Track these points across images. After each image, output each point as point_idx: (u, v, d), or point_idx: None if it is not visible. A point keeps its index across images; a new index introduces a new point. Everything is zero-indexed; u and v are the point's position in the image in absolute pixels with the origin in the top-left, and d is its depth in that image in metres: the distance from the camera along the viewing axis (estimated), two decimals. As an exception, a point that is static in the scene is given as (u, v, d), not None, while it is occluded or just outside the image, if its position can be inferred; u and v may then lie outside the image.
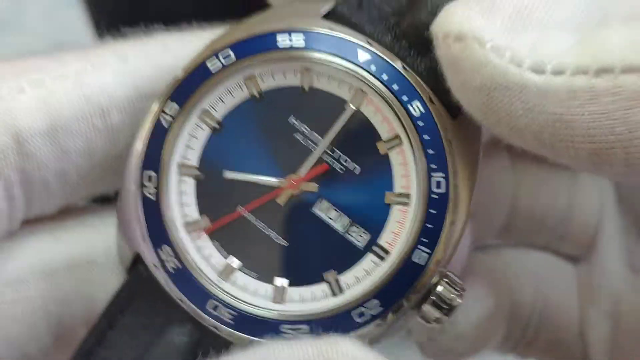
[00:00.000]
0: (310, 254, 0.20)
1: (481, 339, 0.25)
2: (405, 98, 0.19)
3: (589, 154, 0.17)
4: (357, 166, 0.19)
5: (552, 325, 0.26)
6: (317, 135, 0.19)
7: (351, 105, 0.19)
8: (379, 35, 0.20)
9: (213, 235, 0.21)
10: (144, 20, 0.74)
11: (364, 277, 0.21)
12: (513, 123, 0.17)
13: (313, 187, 0.20)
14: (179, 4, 0.73)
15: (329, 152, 0.19)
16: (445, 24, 0.17)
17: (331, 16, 0.20)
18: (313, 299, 0.21)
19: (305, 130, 0.20)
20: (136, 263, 0.21)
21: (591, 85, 0.16)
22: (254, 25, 0.21)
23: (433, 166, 0.18)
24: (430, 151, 0.18)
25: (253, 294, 0.21)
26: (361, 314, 0.21)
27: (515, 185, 0.26)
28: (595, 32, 0.16)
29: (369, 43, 0.19)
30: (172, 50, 0.20)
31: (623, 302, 0.24)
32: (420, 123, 0.19)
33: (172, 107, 0.20)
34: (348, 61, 0.19)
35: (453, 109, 0.19)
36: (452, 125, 0.19)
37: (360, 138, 0.19)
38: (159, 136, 0.19)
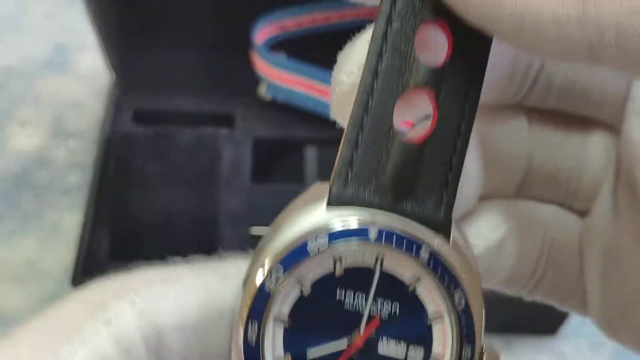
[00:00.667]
0: None
1: (492, 268, 0.28)
2: (414, 247, 0.23)
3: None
4: (397, 305, 0.24)
5: (556, 266, 0.29)
6: (362, 297, 0.24)
7: (377, 269, 0.23)
8: (369, 199, 0.23)
9: None
10: (144, 21, 0.75)
11: None
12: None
13: (372, 336, 0.24)
14: (179, 3, 0.73)
15: (373, 305, 0.24)
16: None
17: (332, 202, 0.24)
18: None
19: (351, 297, 0.24)
20: None
21: None
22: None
23: (452, 287, 0.23)
24: (446, 278, 0.23)
25: None
26: None
27: (531, 146, 0.29)
28: None
29: (372, 218, 0.23)
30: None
31: (610, 242, 0.28)
32: (432, 262, 0.23)
33: (278, 270, 0.24)
34: (362, 241, 0.23)
35: (444, 232, 0.23)
36: (451, 249, 0.23)
37: (393, 288, 0.24)
38: (263, 297, 0.24)
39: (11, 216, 0.70)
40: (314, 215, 0.23)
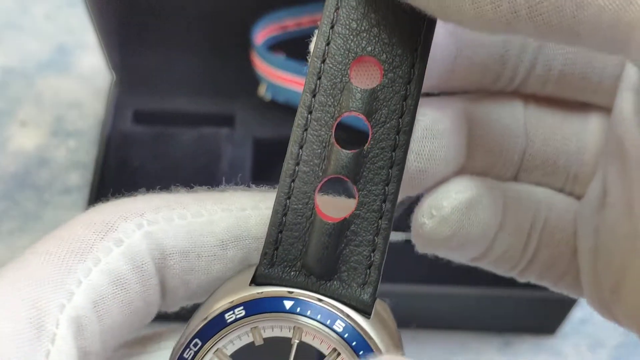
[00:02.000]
0: None
1: (464, 227, 0.28)
2: (328, 322, 0.24)
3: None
4: None
5: (551, 244, 0.30)
6: None
7: (296, 340, 0.24)
8: (294, 279, 0.25)
9: None
10: (144, 21, 0.75)
11: None
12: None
13: None
14: (179, 4, 0.73)
15: None
16: None
17: (257, 280, 0.25)
18: None
19: None
20: None
21: None
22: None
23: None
24: (361, 352, 0.24)
25: None
26: None
27: (529, 130, 0.29)
28: None
29: (289, 292, 0.24)
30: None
31: (600, 219, 0.28)
32: (346, 335, 0.24)
33: (197, 343, 0.24)
34: (278, 312, 0.24)
35: (366, 314, 0.24)
36: (368, 323, 0.24)
37: (310, 356, 0.24)
38: None
39: (11, 216, 0.70)
40: (235, 291, 0.24)
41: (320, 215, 0.25)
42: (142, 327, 0.26)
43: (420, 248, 0.29)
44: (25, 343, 0.22)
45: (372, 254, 0.25)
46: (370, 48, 0.25)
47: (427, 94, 0.27)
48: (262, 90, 0.73)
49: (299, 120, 0.26)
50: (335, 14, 0.26)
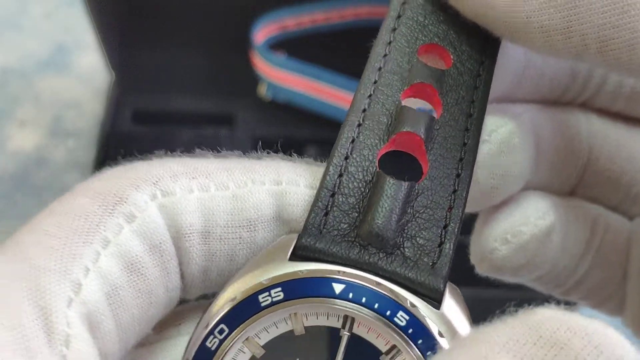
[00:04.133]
0: None
1: (538, 255, 0.26)
2: (388, 313, 0.19)
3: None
4: None
5: (603, 266, 0.28)
6: None
7: (346, 332, 0.20)
8: (346, 253, 0.20)
9: None
10: (144, 20, 0.74)
11: None
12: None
13: None
14: (179, 4, 0.73)
15: None
16: None
17: (298, 252, 0.20)
18: None
19: None
20: None
21: None
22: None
23: None
24: (429, 353, 0.19)
25: None
26: None
27: (593, 145, 0.28)
28: None
29: (339, 272, 0.20)
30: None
31: None
32: (410, 330, 0.19)
33: (222, 330, 0.20)
34: (325, 297, 0.20)
35: (435, 302, 0.20)
36: (438, 316, 0.20)
37: (365, 355, 0.20)
38: (205, 357, 0.20)
39: (10, 216, 0.70)
40: (272, 267, 0.20)
41: (384, 178, 0.21)
42: (163, 317, 0.22)
43: (483, 272, 0.27)
44: (34, 351, 0.18)
45: (443, 231, 0.21)
46: (437, 39, 0.24)
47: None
48: (262, 90, 0.73)
49: (362, 88, 0.23)
50: (401, 7, 0.24)
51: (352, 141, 0.22)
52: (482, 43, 0.24)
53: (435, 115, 0.23)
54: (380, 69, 0.23)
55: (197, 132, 0.70)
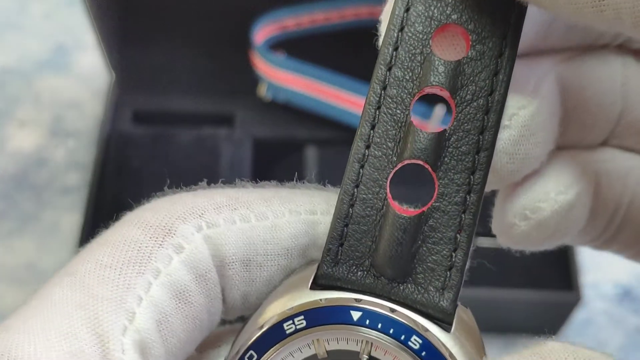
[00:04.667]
0: None
1: (561, 229, 0.26)
2: (402, 337, 0.21)
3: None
4: None
5: (637, 220, 0.27)
6: None
7: (364, 356, 0.21)
8: (362, 281, 0.22)
9: None
10: (144, 21, 0.74)
11: None
12: None
13: None
14: (179, 4, 0.73)
15: None
16: None
17: (318, 281, 0.22)
18: None
19: None
20: None
21: None
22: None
23: None
24: None
25: None
26: None
27: (627, 93, 0.26)
28: None
29: (356, 300, 0.21)
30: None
31: None
32: (423, 353, 0.21)
33: (252, 356, 0.22)
34: (346, 324, 0.21)
35: (446, 324, 0.21)
36: (449, 338, 0.21)
37: None
38: None
39: (10, 216, 0.70)
40: (295, 296, 0.22)
41: (394, 207, 0.21)
42: (206, 338, 0.24)
43: (505, 244, 0.26)
44: None
45: (453, 254, 0.21)
46: (455, 16, 0.22)
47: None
48: (262, 90, 0.73)
49: (371, 97, 0.22)
50: None
51: (362, 167, 0.22)
52: (504, 12, 0.22)
53: (446, 125, 0.22)
54: (390, 66, 0.22)
55: (197, 132, 0.70)
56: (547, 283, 0.63)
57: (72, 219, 0.69)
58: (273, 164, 0.71)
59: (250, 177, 0.68)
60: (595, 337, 0.66)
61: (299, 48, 0.72)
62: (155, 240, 0.21)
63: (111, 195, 0.66)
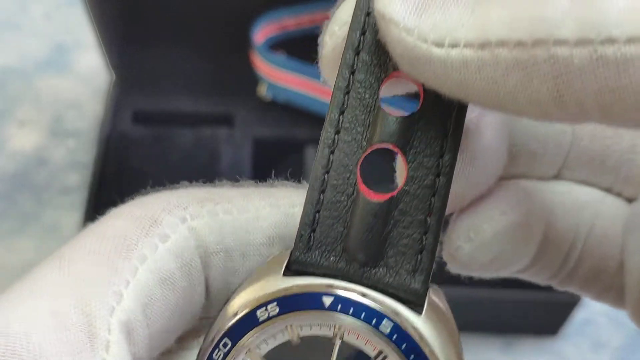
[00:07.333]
0: None
1: (505, 253, 0.26)
2: (374, 321, 0.21)
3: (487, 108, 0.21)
4: None
5: (595, 255, 0.27)
6: None
7: (338, 340, 0.21)
8: (334, 266, 0.22)
9: None
10: (144, 21, 0.74)
11: None
12: (430, 84, 0.21)
13: None
14: (179, 4, 0.73)
15: None
16: (375, 5, 0.21)
17: (292, 267, 0.22)
18: None
19: None
20: None
21: (478, 56, 0.19)
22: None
23: None
24: (412, 356, 0.21)
25: None
26: None
27: (575, 125, 0.26)
28: (483, 8, 0.19)
29: (327, 286, 0.21)
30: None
31: None
32: (394, 336, 0.21)
33: (226, 343, 0.22)
34: (317, 310, 0.21)
35: (417, 307, 0.21)
36: (422, 320, 0.21)
37: (354, 358, 0.22)
38: None
39: (10, 216, 0.70)
40: (268, 283, 0.22)
41: (364, 192, 0.22)
42: (184, 331, 0.24)
43: (453, 270, 0.27)
44: (78, 353, 0.20)
45: (423, 237, 0.22)
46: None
47: None
48: (262, 90, 0.73)
49: (339, 81, 0.22)
50: (365, 19, 0.22)
51: (332, 152, 0.22)
52: None
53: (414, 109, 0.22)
54: (358, 50, 0.22)
55: (197, 132, 0.70)
56: (547, 283, 0.63)
57: (72, 219, 0.69)
58: (273, 164, 0.71)
59: (250, 177, 0.68)
60: (595, 337, 0.66)
61: (299, 48, 0.72)
62: (142, 230, 0.22)
63: (111, 195, 0.66)
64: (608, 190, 0.27)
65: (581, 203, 0.27)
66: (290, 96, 0.71)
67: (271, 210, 0.24)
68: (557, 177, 0.28)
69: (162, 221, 0.22)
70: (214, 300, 0.24)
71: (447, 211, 0.24)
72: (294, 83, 0.70)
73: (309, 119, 0.71)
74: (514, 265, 0.27)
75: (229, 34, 0.73)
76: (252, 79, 0.72)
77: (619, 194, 0.27)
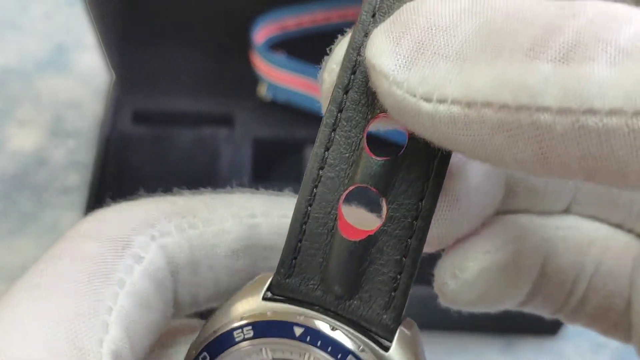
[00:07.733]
0: None
1: (492, 291, 0.26)
2: (339, 356, 0.22)
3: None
4: None
5: (602, 293, 0.27)
6: None
7: None
8: (310, 295, 0.23)
9: None
10: (144, 21, 0.74)
11: None
12: (418, 134, 0.21)
13: None
14: (179, 4, 0.73)
15: None
16: (366, 55, 0.21)
17: (273, 290, 0.23)
18: None
19: None
20: None
21: (465, 114, 0.19)
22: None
23: None
24: None
25: None
26: None
27: None
28: (471, 65, 0.19)
29: (299, 316, 0.22)
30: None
31: None
32: None
33: (205, 357, 0.23)
34: (287, 338, 0.22)
35: (384, 344, 0.22)
36: (389, 355, 0.22)
37: None
38: None
39: (10, 216, 0.70)
40: (247, 304, 0.23)
41: (342, 230, 0.22)
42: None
43: (444, 304, 0.27)
44: None
45: (398, 276, 0.22)
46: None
47: None
48: (262, 90, 0.73)
49: (327, 119, 0.23)
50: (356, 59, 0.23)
51: (315, 187, 0.23)
52: None
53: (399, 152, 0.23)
54: (347, 89, 0.23)
55: (196, 132, 0.70)
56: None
57: (72, 219, 0.69)
58: (273, 164, 0.71)
59: (250, 177, 0.68)
60: (595, 337, 0.66)
61: (299, 48, 0.72)
62: (115, 252, 0.22)
63: (111, 196, 0.66)
64: (619, 226, 0.27)
65: (589, 239, 0.27)
66: (290, 96, 0.71)
67: (234, 221, 0.24)
68: (566, 211, 0.27)
69: (133, 241, 0.23)
70: (181, 309, 0.25)
71: (428, 251, 0.25)
72: (294, 83, 0.70)
73: (309, 119, 0.71)
74: (505, 302, 0.27)
75: (229, 34, 0.73)
76: (252, 79, 0.72)
77: (630, 230, 0.27)
